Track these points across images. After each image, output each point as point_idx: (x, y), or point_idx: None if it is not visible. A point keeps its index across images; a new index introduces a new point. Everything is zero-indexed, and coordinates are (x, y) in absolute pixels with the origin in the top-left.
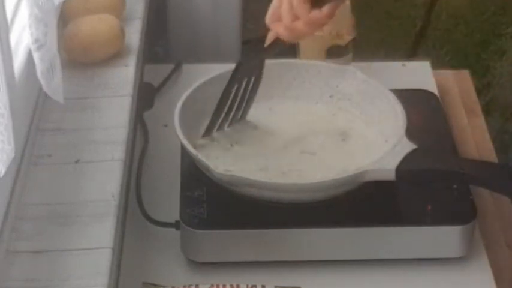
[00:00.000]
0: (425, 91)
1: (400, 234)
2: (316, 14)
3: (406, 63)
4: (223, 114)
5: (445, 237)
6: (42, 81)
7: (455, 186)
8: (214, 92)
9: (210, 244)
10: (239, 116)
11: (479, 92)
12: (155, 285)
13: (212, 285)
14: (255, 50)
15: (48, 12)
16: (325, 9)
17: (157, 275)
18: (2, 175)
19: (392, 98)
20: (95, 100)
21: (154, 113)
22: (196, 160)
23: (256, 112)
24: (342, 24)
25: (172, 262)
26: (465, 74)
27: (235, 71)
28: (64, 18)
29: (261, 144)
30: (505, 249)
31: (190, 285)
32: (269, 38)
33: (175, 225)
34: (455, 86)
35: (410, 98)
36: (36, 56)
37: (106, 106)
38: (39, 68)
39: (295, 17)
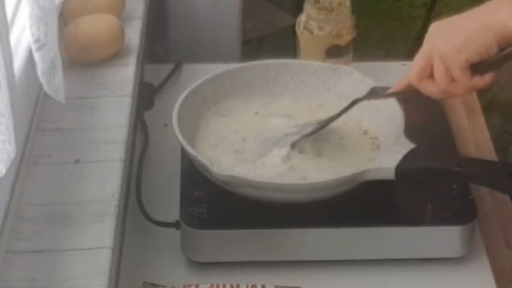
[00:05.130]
0: None
1: (400, 234)
2: (479, 81)
3: (406, 63)
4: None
5: (445, 237)
6: (43, 81)
7: (455, 186)
8: (213, 91)
9: (210, 244)
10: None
11: (479, 92)
12: (155, 285)
13: (212, 285)
14: (378, 91)
15: (49, 12)
16: (488, 76)
17: (157, 275)
18: (2, 175)
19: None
20: (95, 100)
21: (154, 113)
22: (195, 161)
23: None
24: (342, 24)
25: (172, 262)
26: None
27: (350, 105)
28: (64, 18)
29: (260, 145)
30: (505, 249)
31: (190, 285)
32: (398, 86)
33: (176, 225)
34: None
35: (410, 98)
36: (37, 56)
37: (106, 106)
38: (40, 68)
39: (452, 80)
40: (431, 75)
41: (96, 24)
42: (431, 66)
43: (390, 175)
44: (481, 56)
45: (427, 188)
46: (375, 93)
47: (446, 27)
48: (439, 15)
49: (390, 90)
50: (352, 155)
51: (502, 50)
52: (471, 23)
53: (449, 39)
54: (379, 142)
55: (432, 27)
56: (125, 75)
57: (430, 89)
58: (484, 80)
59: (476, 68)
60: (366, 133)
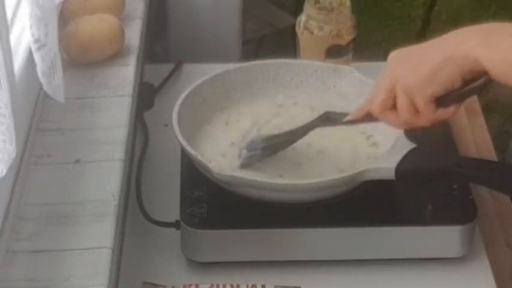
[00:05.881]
0: None
1: (400, 234)
2: (443, 113)
3: None
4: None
5: (445, 237)
6: (43, 81)
7: (455, 186)
8: (213, 91)
9: (210, 244)
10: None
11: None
12: (155, 285)
13: (212, 285)
14: (334, 117)
15: (49, 12)
16: (452, 109)
17: (157, 275)
18: (3, 175)
19: None
20: (95, 100)
21: (154, 113)
22: (196, 161)
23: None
24: (342, 24)
25: (172, 262)
26: None
27: (307, 129)
28: (64, 18)
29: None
30: (505, 249)
31: (190, 285)
32: (357, 115)
33: (176, 225)
34: None
35: None
36: (37, 56)
37: (106, 106)
38: (40, 68)
39: (415, 111)
40: (393, 106)
41: (96, 24)
42: (394, 97)
43: (390, 175)
44: (445, 90)
45: (427, 188)
46: (330, 119)
47: (409, 57)
48: (439, 15)
49: (347, 118)
50: (351, 154)
51: (465, 81)
52: (435, 54)
53: (413, 72)
54: (375, 139)
55: (393, 55)
56: (125, 75)
57: (392, 119)
58: (448, 112)
59: (440, 100)
60: (362, 133)
